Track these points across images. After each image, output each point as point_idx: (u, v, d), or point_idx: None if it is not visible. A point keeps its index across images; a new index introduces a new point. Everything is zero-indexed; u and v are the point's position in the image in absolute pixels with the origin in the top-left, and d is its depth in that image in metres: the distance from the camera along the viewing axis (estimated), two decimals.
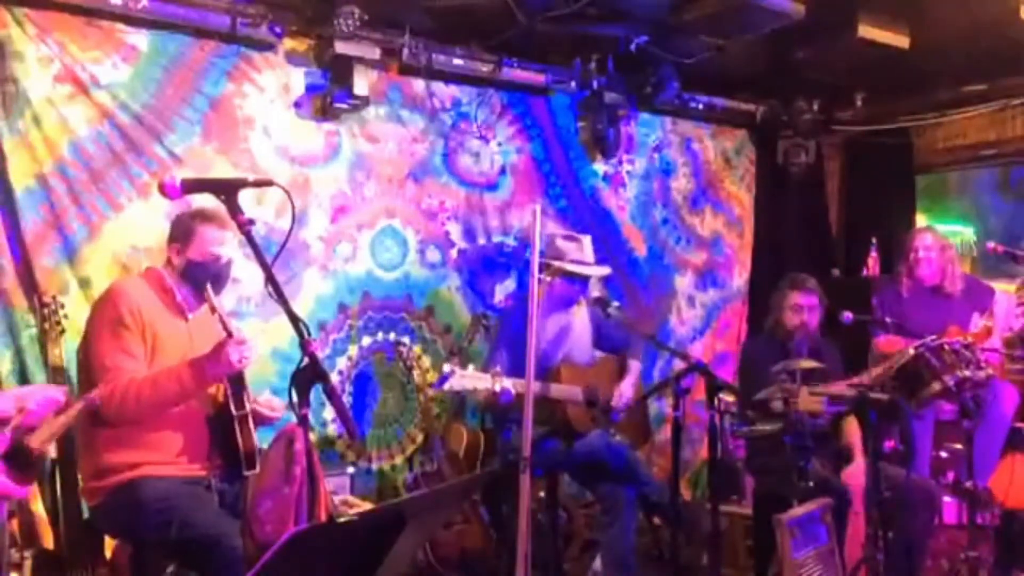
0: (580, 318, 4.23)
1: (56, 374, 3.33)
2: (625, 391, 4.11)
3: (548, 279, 4.12)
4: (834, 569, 3.30)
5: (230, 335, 2.82)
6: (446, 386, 3.62)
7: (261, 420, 3.06)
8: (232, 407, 2.94)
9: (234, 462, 2.97)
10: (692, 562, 4.43)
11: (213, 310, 2.89)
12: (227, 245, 3.07)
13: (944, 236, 4.90)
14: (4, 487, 2.29)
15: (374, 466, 4.74)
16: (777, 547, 3.15)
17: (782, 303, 4.07)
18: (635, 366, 4.25)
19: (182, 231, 3.08)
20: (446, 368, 3.64)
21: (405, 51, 4.57)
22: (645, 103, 5.46)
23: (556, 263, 4.08)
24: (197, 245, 3.05)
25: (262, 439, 3.06)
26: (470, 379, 3.63)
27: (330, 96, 4.44)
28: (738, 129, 6.26)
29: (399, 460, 4.81)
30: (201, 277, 3.04)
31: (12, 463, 2.29)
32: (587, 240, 4.20)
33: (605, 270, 4.45)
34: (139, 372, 2.85)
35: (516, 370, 3.65)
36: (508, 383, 3.63)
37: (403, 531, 1.79)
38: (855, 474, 3.73)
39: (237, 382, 2.96)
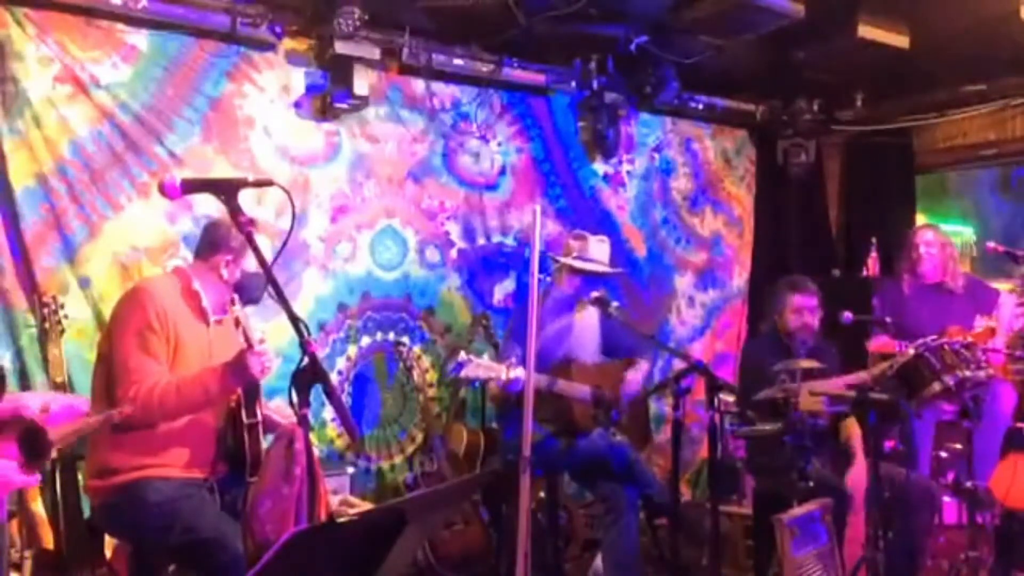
0: (585, 318, 4.22)
1: (55, 369, 3.34)
2: (633, 379, 4.09)
3: (560, 276, 4.11)
4: (834, 569, 3.30)
5: (251, 345, 2.82)
6: (462, 373, 3.62)
7: (271, 427, 3.06)
8: (244, 415, 2.94)
9: (239, 468, 2.97)
10: (692, 562, 4.44)
11: (237, 323, 2.88)
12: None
13: (945, 234, 4.91)
14: (7, 476, 2.25)
15: (374, 466, 4.74)
16: (777, 547, 3.15)
17: (783, 306, 4.06)
18: (643, 364, 4.24)
19: (239, 243, 2.97)
20: (462, 356, 3.65)
21: (405, 51, 4.58)
22: (645, 103, 5.46)
23: (566, 261, 4.06)
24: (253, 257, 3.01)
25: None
26: (484, 368, 3.64)
27: (330, 96, 4.44)
28: (738, 129, 6.26)
29: (399, 460, 4.81)
30: (257, 287, 3.06)
31: (24, 445, 2.25)
32: (597, 239, 4.14)
33: (616, 270, 4.33)
34: (161, 375, 2.85)
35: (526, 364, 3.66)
36: (520, 372, 3.63)
37: (403, 531, 1.79)
38: (856, 477, 3.72)
39: (251, 391, 2.96)
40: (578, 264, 4.03)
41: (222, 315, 3.07)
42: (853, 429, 3.91)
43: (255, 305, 3.26)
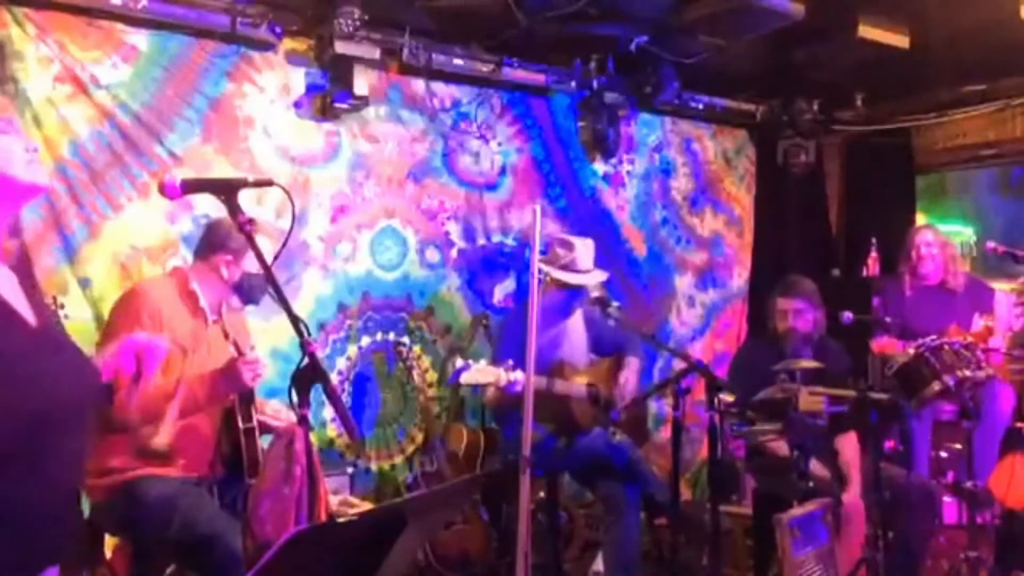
0: (575, 321, 4.21)
1: None
2: (627, 380, 4.09)
3: (548, 284, 4.09)
4: (834, 569, 3.30)
5: (241, 353, 2.81)
6: (462, 379, 3.63)
7: (267, 429, 3.06)
8: (239, 420, 2.94)
9: (237, 470, 2.97)
10: (692, 562, 4.43)
11: (226, 335, 2.87)
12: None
13: (944, 234, 4.92)
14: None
15: (374, 466, 4.73)
16: (777, 547, 3.15)
17: (772, 308, 4.09)
18: (633, 361, 4.22)
19: (239, 243, 2.97)
20: (459, 362, 3.65)
21: (405, 51, 4.57)
22: (645, 103, 5.46)
23: (551, 271, 4.03)
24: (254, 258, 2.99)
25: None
26: (483, 373, 3.65)
27: (330, 96, 4.44)
28: (738, 129, 6.25)
29: (399, 460, 4.81)
30: (258, 287, 3.05)
31: None
32: (583, 244, 4.10)
33: (601, 276, 4.21)
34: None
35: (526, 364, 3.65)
36: (518, 375, 3.63)
37: (403, 531, 1.79)
38: (852, 498, 3.69)
39: (246, 396, 2.96)
40: (563, 277, 4.00)
41: (220, 316, 3.07)
42: (851, 451, 3.85)
43: (255, 305, 3.26)
